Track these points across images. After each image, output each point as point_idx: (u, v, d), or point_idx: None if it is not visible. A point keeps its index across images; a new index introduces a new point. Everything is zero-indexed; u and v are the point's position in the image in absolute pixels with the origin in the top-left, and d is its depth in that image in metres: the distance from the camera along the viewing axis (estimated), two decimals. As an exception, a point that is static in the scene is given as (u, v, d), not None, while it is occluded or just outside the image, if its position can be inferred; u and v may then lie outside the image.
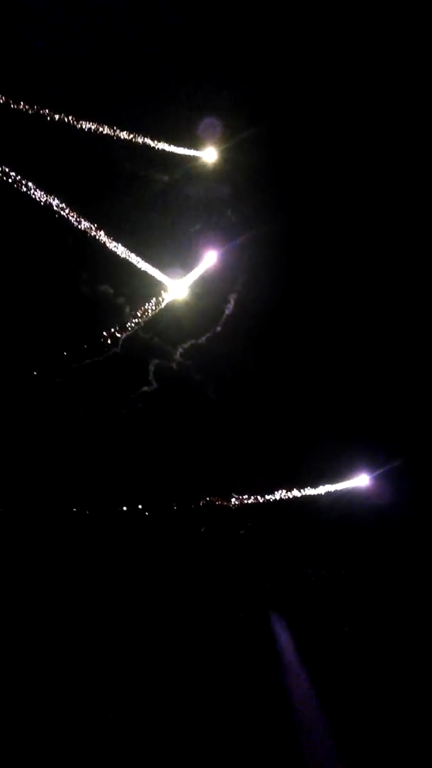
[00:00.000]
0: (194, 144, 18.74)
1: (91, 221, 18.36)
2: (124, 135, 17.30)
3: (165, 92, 17.41)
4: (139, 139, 17.81)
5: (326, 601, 16.89)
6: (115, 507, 17.89)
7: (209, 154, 18.97)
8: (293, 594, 17.15)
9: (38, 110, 16.54)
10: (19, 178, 16.93)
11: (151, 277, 19.69)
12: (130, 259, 19.19)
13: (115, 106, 17.33)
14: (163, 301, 19.99)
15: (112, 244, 18.80)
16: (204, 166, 19.40)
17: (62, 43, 16.24)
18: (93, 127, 17.01)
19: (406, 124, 17.77)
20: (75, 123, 16.90)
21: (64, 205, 17.68)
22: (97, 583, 15.36)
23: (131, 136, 17.55)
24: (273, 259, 20.20)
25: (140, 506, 18.01)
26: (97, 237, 18.61)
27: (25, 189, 17.12)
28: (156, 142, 18.15)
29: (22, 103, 16.16)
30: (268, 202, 19.59)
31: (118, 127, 17.43)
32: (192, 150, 18.73)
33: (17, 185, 16.75)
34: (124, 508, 17.87)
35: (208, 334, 20.38)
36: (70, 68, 16.48)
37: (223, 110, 18.06)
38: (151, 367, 20.34)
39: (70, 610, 14.71)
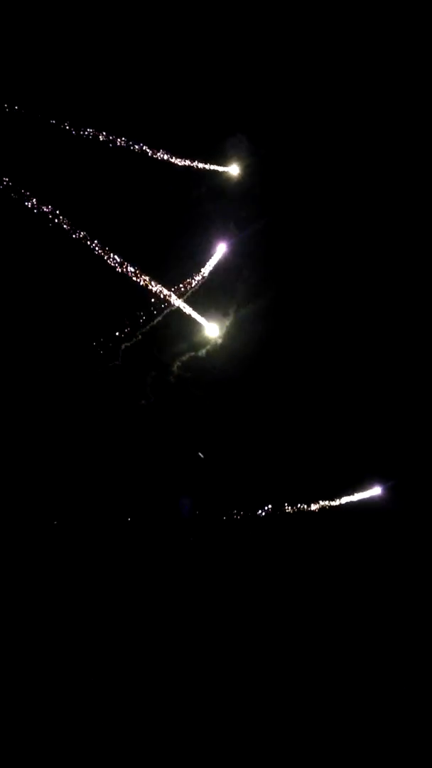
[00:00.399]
0: (191, 157, 18.79)
1: (91, 232, 18.17)
2: (122, 142, 17.26)
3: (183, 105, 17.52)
4: (144, 149, 17.80)
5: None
6: (114, 519, 17.37)
7: (212, 169, 19.04)
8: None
9: (51, 119, 16.44)
10: (24, 187, 16.76)
11: (152, 290, 19.48)
12: (130, 272, 18.98)
13: (128, 116, 17.32)
14: (163, 314, 19.76)
15: (111, 256, 18.60)
16: (203, 180, 19.45)
17: (82, 52, 16.30)
18: (97, 135, 16.94)
19: (415, 145, 18.11)
20: (84, 132, 16.84)
21: (65, 215, 17.48)
22: (92, 587, 14.88)
23: (130, 143, 17.52)
24: (274, 273, 20.20)
25: (139, 518, 17.53)
26: (97, 249, 18.40)
27: (27, 197, 16.91)
28: (162, 153, 18.16)
29: (37, 113, 16.08)
30: (273, 217, 19.65)
31: (127, 137, 17.41)
32: (187, 161, 18.75)
33: (22, 196, 16.56)
34: (123, 520, 17.39)
35: (207, 347, 20.16)
36: (86, 78, 16.51)
37: (241, 126, 18.21)
38: (150, 380, 19.99)
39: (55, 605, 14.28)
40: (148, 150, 17.83)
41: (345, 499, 18.58)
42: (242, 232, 19.90)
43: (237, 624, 15.28)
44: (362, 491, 18.76)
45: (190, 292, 20.03)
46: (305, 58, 17.26)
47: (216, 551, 17.60)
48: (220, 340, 20.17)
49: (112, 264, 18.65)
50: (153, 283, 19.33)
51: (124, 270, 18.81)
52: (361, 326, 20.15)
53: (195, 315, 20.08)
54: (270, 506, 18.79)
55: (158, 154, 18.20)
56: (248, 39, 16.90)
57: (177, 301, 19.76)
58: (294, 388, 20.37)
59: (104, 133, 17.05)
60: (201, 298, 20.26)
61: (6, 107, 15.74)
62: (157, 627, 14.42)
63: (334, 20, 16.68)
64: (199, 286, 20.16)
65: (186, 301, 19.94)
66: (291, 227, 19.94)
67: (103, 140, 17.20)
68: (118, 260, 18.75)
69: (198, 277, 20.04)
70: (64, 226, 17.52)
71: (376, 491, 18.61)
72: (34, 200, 16.94)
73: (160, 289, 19.48)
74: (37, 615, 13.36)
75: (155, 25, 16.55)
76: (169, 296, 19.64)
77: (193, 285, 20.00)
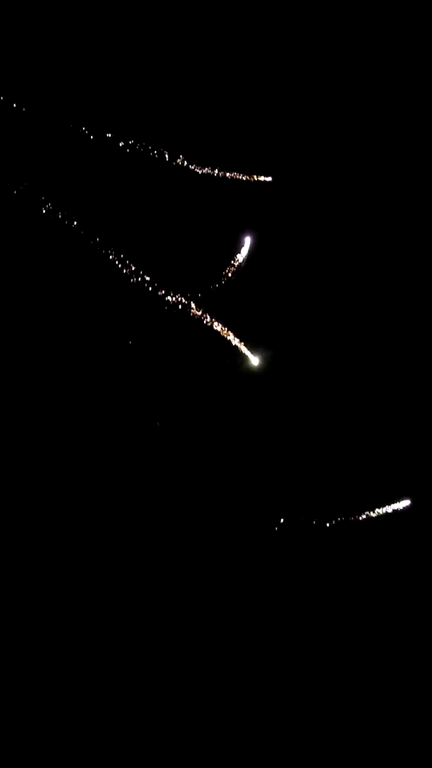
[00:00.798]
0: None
1: (103, 241, 18.05)
2: (128, 146, 17.18)
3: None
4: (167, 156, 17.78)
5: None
6: (114, 531, 17.16)
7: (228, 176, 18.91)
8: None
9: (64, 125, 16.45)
10: (36, 193, 16.73)
11: (158, 294, 19.35)
12: (139, 274, 18.86)
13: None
14: (169, 317, 19.62)
15: (123, 258, 18.48)
16: (219, 187, 19.34)
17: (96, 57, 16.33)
18: (109, 139, 16.91)
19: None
20: (94, 136, 16.80)
21: (77, 222, 17.38)
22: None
23: (140, 146, 17.46)
24: (284, 279, 20.01)
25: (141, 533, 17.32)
26: (111, 252, 18.28)
27: (38, 201, 16.90)
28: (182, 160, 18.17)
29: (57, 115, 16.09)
30: (289, 223, 19.45)
31: (139, 142, 17.36)
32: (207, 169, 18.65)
33: (33, 201, 16.51)
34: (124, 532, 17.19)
35: (212, 353, 20.00)
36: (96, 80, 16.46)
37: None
38: (154, 385, 19.83)
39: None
40: (159, 154, 17.81)
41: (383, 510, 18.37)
42: (258, 240, 19.72)
43: (238, 630, 15.14)
44: (404, 502, 18.51)
45: (198, 296, 19.90)
46: (323, 61, 17.20)
47: (218, 561, 17.35)
48: (225, 345, 20.00)
49: (123, 265, 18.55)
50: (159, 287, 19.22)
51: (135, 272, 18.71)
52: (374, 327, 19.83)
53: (202, 318, 19.95)
54: (280, 520, 18.62)
55: (176, 161, 18.22)
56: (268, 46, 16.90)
57: (184, 306, 19.64)
58: (306, 392, 20.09)
59: (109, 135, 17.01)
60: (208, 302, 20.12)
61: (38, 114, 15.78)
62: (157, 629, 14.31)
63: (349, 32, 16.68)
64: (213, 294, 20.03)
65: (193, 305, 19.80)
66: (306, 233, 19.73)
67: (110, 144, 17.17)
68: (130, 262, 18.65)
69: (205, 282, 19.91)
70: (73, 228, 17.42)
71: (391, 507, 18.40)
72: (42, 202, 16.94)
73: (167, 293, 19.36)
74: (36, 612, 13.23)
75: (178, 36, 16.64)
76: (176, 300, 19.52)
77: (199, 289, 19.87)
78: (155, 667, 13.96)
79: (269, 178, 19.37)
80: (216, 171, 18.87)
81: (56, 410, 16.95)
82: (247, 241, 19.31)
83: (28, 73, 16.02)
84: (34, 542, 14.84)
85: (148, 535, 16.81)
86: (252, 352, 20.07)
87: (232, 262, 19.94)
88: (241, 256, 19.47)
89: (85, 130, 16.70)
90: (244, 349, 20.49)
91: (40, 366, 17.85)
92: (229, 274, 19.54)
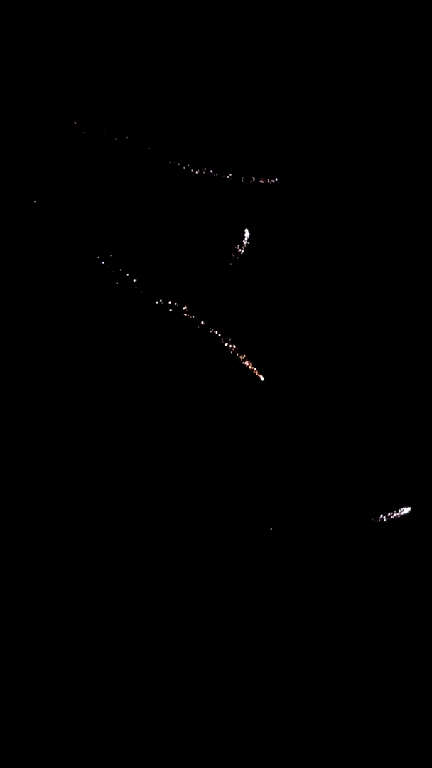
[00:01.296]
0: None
1: (98, 247, 18.02)
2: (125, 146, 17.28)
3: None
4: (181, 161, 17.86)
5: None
6: (110, 538, 16.59)
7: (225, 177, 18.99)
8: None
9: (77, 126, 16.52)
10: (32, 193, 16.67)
11: (157, 296, 19.23)
12: (133, 280, 18.75)
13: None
14: (166, 318, 19.44)
15: (115, 261, 18.41)
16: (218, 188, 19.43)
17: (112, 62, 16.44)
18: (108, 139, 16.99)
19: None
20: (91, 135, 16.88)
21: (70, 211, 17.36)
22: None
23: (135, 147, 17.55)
24: (282, 282, 19.99)
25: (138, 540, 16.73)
26: (104, 257, 18.21)
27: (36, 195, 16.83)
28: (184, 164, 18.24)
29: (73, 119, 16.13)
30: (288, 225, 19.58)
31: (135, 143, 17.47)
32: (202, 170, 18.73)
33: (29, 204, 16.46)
34: (120, 538, 16.56)
35: (210, 357, 19.76)
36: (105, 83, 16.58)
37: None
38: (152, 388, 19.50)
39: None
40: (155, 154, 17.92)
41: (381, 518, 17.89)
42: (257, 243, 19.79)
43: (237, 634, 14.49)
44: (403, 509, 18.11)
45: (194, 296, 19.78)
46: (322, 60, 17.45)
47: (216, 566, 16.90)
48: (223, 348, 19.80)
49: (120, 265, 18.43)
50: (159, 287, 19.09)
51: (133, 273, 18.57)
52: (373, 324, 19.81)
53: (199, 320, 19.77)
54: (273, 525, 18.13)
55: (173, 161, 18.32)
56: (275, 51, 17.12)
57: (181, 306, 19.48)
58: (306, 395, 19.89)
59: (104, 131, 17.16)
60: (205, 303, 19.99)
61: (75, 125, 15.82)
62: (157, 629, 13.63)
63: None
64: (203, 291, 19.91)
65: (189, 306, 19.66)
66: (308, 238, 19.87)
67: (107, 143, 17.29)
68: (127, 262, 18.54)
69: (203, 283, 19.83)
70: (66, 229, 17.36)
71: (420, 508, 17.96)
72: (35, 200, 16.87)
73: (164, 294, 19.22)
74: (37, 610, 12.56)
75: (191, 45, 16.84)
76: (172, 302, 19.36)
77: (197, 290, 19.77)
78: (154, 666, 13.44)
79: (273, 180, 19.60)
80: (212, 171, 19.04)
81: (51, 416, 16.68)
82: (245, 244, 19.42)
83: (27, 73, 16.23)
84: (34, 540, 14.44)
85: (147, 542, 16.41)
86: (251, 362, 19.97)
87: (230, 264, 20.00)
88: (239, 260, 19.54)
89: (82, 128, 16.84)
90: (242, 357, 20.36)
91: (37, 367, 17.65)
92: (227, 278, 19.57)
